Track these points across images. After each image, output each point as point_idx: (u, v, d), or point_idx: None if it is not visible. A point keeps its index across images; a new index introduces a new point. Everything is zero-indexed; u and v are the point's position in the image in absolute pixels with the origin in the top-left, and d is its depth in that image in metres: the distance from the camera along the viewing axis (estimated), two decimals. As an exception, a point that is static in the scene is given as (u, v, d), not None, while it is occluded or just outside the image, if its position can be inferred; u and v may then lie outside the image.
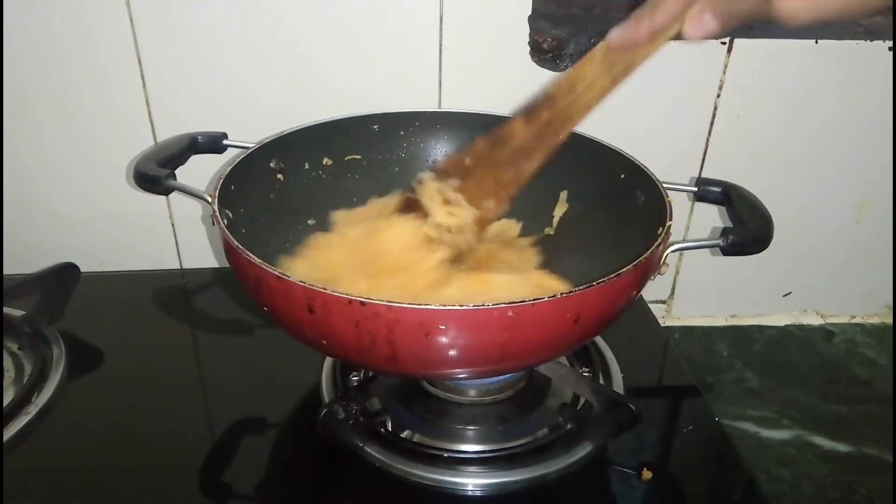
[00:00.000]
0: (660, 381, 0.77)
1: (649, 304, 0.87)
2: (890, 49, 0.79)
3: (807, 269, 0.95)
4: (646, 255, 0.52)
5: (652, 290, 0.94)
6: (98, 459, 0.63)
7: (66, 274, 0.79)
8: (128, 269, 0.90)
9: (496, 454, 0.61)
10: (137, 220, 0.87)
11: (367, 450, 0.60)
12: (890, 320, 0.98)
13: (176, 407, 0.69)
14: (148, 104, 0.79)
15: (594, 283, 0.49)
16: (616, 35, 0.50)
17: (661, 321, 0.90)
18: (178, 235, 0.89)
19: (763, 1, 0.39)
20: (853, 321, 0.98)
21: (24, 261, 0.85)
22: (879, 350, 0.93)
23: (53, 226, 0.87)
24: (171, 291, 0.88)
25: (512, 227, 0.78)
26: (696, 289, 0.96)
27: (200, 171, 0.73)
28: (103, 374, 0.73)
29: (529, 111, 0.56)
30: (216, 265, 0.91)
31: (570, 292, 0.48)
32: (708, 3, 0.44)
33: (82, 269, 0.80)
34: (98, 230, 0.88)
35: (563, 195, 0.75)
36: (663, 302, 0.97)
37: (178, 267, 0.92)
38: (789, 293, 0.97)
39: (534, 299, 0.47)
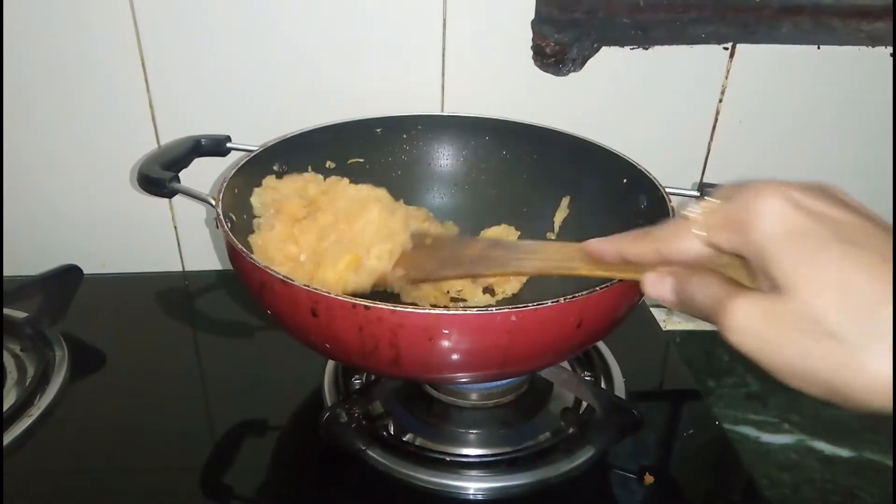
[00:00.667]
0: (661, 386, 0.77)
1: (651, 309, 0.88)
2: (892, 55, 0.80)
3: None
4: (649, 260, 0.52)
5: (653, 295, 0.95)
6: (100, 461, 0.63)
7: (68, 276, 0.79)
8: (130, 271, 0.90)
9: (498, 458, 0.61)
10: (140, 222, 0.87)
11: (370, 453, 0.60)
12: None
13: (178, 409, 0.69)
14: (151, 107, 0.80)
15: (597, 288, 0.49)
16: (593, 243, 0.45)
17: (662, 325, 0.90)
18: (181, 238, 0.90)
19: (713, 315, 0.34)
20: (854, 326, 0.98)
21: (27, 262, 0.85)
22: (880, 355, 0.92)
23: (56, 227, 0.87)
24: (174, 294, 0.89)
25: (510, 233, 0.78)
26: (697, 293, 0.96)
27: (204, 174, 0.73)
28: (105, 375, 0.73)
29: (488, 242, 0.57)
30: (218, 267, 0.91)
31: (573, 297, 0.48)
32: (676, 273, 0.38)
33: (85, 271, 0.81)
34: (101, 232, 0.88)
35: (565, 201, 0.75)
36: (664, 306, 0.97)
37: (181, 269, 0.92)
38: (790, 297, 0.97)
39: (536, 304, 0.47)
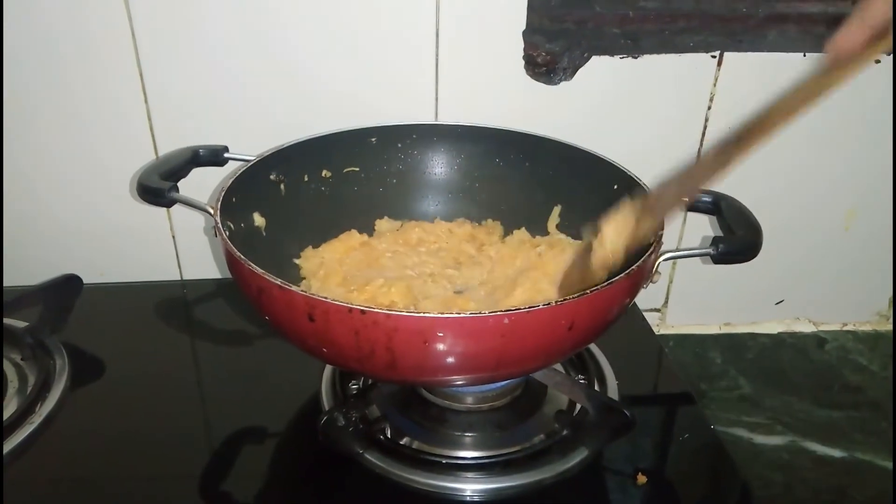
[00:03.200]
0: (654, 389, 0.78)
1: (644, 313, 0.89)
2: (877, 62, 0.81)
3: (798, 278, 0.96)
4: (637, 263, 0.53)
5: (646, 299, 0.96)
6: (100, 468, 0.63)
7: (68, 285, 0.80)
8: (129, 280, 0.91)
9: (493, 460, 0.62)
10: (138, 231, 0.88)
11: (367, 456, 0.61)
12: (881, 327, 1.00)
13: (177, 416, 0.70)
14: (149, 118, 0.81)
15: (588, 291, 0.50)
16: (837, 38, 0.46)
17: (655, 329, 0.91)
18: (179, 247, 0.90)
19: None
20: (845, 328, 0.99)
21: (27, 273, 0.86)
22: (871, 357, 0.94)
23: (56, 238, 0.88)
24: (172, 302, 0.89)
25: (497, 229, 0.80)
26: (689, 297, 0.97)
27: (202, 184, 0.74)
28: (105, 384, 0.74)
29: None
30: (216, 276, 0.92)
31: (565, 300, 0.49)
32: None
33: (84, 281, 0.81)
34: (99, 242, 0.89)
35: (557, 210, 0.77)
36: (657, 310, 0.99)
37: (179, 278, 0.93)
38: (781, 301, 0.98)
39: (529, 307, 0.48)
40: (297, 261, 0.73)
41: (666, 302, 0.98)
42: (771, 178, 0.87)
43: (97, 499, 0.60)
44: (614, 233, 0.57)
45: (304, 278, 0.72)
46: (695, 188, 0.55)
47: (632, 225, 0.57)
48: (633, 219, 0.57)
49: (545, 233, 0.77)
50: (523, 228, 0.78)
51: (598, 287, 0.51)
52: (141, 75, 0.78)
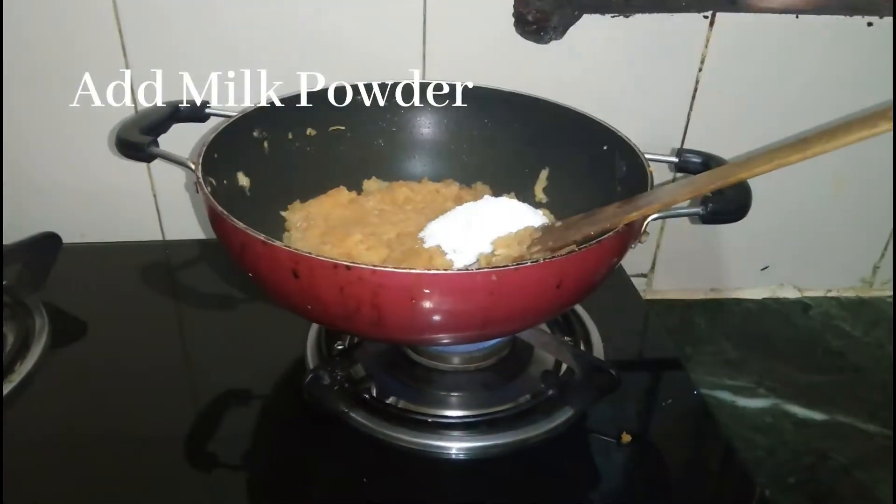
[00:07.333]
0: (640, 353, 0.78)
1: (630, 278, 0.88)
2: (869, 24, 0.80)
3: (784, 244, 0.97)
4: (626, 222, 0.53)
5: (633, 264, 0.96)
6: (80, 429, 0.63)
7: (46, 243, 0.78)
8: (109, 240, 0.89)
9: (479, 419, 0.62)
10: (119, 190, 0.86)
11: (353, 415, 0.61)
12: (864, 294, 1.01)
13: (160, 377, 0.69)
14: (128, 68, 0.78)
15: (576, 249, 0.50)
16: None
17: (641, 295, 0.91)
18: (160, 206, 0.89)
19: None
20: (829, 294, 1.00)
21: (4, 231, 0.84)
22: (854, 322, 0.95)
23: (34, 196, 0.86)
24: (154, 262, 0.88)
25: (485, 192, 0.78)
26: (676, 263, 0.97)
27: (181, 141, 0.73)
28: (87, 344, 0.73)
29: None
30: (197, 237, 0.90)
31: (553, 258, 0.49)
32: None
33: (64, 241, 0.80)
34: (79, 201, 0.87)
35: (544, 172, 0.76)
36: (644, 276, 0.99)
37: (161, 238, 0.91)
38: (767, 267, 0.99)
39: (517, 265, 0.48)
40: (283, 213, 0.72)
41: (652, 267, 0.98)
42: (761, 140, 0.87)
43: (77, 460, 0.60)
44: (505, 250, 0.61)
45: (288, 231, 0.71)
46: (589, 236, 0.56)
47: (522, 250, 0.61)
48: (526, 244, 0.61)
49: (533, 197, 0.76)
50: (513, 194, 0.77)
51: (587, 245, 0.50)
52: (119, 27, 0.76)
